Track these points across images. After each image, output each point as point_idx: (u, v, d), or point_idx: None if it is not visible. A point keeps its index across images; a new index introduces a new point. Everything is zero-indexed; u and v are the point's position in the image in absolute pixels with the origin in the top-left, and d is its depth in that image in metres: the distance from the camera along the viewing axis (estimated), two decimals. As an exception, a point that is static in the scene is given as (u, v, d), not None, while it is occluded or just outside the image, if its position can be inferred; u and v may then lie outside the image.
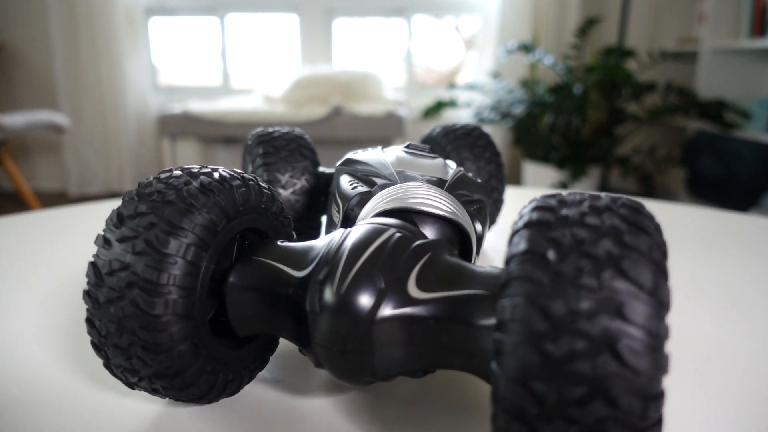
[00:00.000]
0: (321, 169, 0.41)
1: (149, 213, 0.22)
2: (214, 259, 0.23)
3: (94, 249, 0.49)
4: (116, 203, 0.65)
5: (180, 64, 3.00)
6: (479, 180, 0.35)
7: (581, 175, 2.06)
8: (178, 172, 0.24)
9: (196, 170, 0.24)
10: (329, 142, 2.37)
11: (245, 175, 0.25)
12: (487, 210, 0.33)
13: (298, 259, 0.23)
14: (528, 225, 0.18)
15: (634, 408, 0.16)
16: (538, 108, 2.24)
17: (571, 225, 0.18)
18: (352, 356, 0.21)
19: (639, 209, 0.19)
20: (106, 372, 0.29)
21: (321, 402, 0.27)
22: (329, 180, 0.40)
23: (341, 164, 0.34)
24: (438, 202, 0.28)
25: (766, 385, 0.29)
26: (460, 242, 0.28)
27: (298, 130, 0.43)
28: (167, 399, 0.26)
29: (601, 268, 0.17)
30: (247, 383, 0.26)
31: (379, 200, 0.28)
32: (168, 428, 0.25)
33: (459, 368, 0.21)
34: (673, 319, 0.36)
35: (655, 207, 0.65)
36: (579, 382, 0.16)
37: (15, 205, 2.34)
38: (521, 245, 0.18)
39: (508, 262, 0.18)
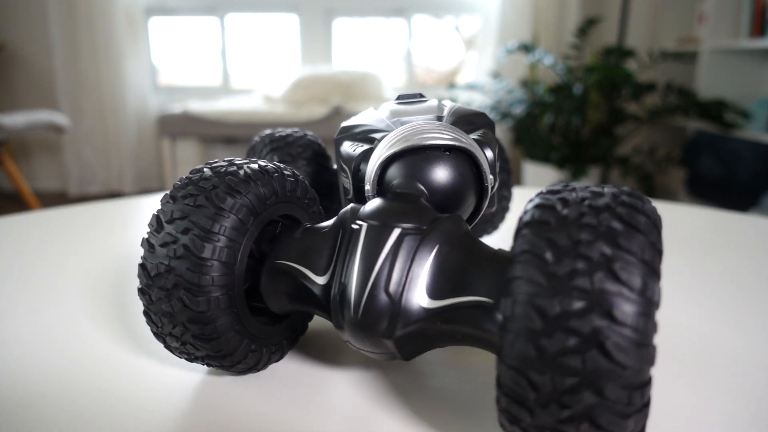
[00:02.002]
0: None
1: (214, 177, 0.26)
2: (259, 228, 0.26)
3: (93, 249, 0.49)
4: (117, 203, 0.65)
5: (180, 64, 3.00)
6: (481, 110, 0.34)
7: (581, 175, 2.06)
8: (241, 158, 0.28)
9: (256, 159, 0.28)
10: (329, 142, 2.37)
11: (296, 172, 0.29)
12: (493, 136, 0.32)
13: (318, 259, 0.26)
14: (529, 224, 0.20)
15: (620, 397, 0.17)
16: (538, 108, 2.24)
17: (569, 226, 0.19)
18: (378, 354, 0.24)
19: (637, 207, 0.19)
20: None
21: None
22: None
23: (338, 134, 0.33)
24: (440, 134, 0.27)
25: (766, 384, 0.29)
26: (473, 171, 0.28)
27: (311, 135, 0.42)
28: (193, 362, 0.28)
29: (594, 270, 0.18)
30: (263, 366, 0.28)
31: (383, 148, 0.28)
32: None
33: (474, 346, 0.24)
34: (672, 319, 0.36)
35: (655, 207, 0.65)
36: (570, 373, 0.18)
37: (15, 205, 2.34)
38: (523, 245, 0.19)
39: (511, 259, 0.20)
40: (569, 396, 0.18)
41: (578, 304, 0.18)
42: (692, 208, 0.66)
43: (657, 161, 2.31)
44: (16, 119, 2.00)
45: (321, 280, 0.25)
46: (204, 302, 0.24)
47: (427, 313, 0.23)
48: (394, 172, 0.28)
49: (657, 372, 0.29)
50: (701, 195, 2.27)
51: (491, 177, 0.29)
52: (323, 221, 0.30)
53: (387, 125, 0.31)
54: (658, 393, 0.28)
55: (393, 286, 0.23)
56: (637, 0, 2.57)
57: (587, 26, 2.31)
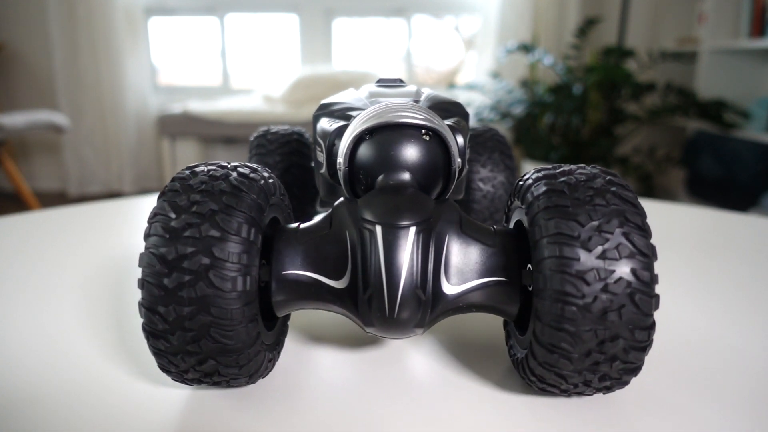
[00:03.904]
0: None
1: (207, 200, 0.24)
2: (261, 241, 0.25)
3: (93, 249, 0.49)
4: (117, 203, 0.65)
5: (180, 64, 3.00)
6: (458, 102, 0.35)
7: (581, 175, 2.05)
8: (215, 166, 0.26)
9: (234, 165, 0.26)
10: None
11: (269, 170, 0.28)
12: (467, 125, 0.33)
13: (329, 264, 0.26)
14: (548, 209, 0.24)
15: (642, 337, 0.23)
16: (537, 108, 2.24)
17: (585, 207, 0.23)
18: (401, 338, 0.27)
19: (623, 185, 0.24)
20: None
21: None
22: None
23: (317, 111, 0.34)
24: (412, 113, 0.28)
25: (765, 383, 0.29)
26: (442, 153, 0.28)
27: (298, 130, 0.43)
28: (209, 386, 0.27)
29: (618, 244, 0.23)
30: (273, 368, 0.28)
31: (356, 123, 0.28)
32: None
33: (487, 313, 0.27)
34: (672, 318, 0.36)
35: (654, 207, 0.65)
36: (611, 327, 0.23)
37: (14, 205, 2.34)
38: (550, 228, 0.23)
39: (535, 243, 0.24)
40: (608, 344, 0.23)
41: (612, 272, 0.22)
42: (692, 208, 0.66)
43: (657, 161, 2.31)
44: (16, 119, 2.00)
45: (339, 284, 0.25)
46: (237, 335, 0.23)
47: (452, 297, 0.26)
48: (365, 149, 0.28)
49: (657, 371, 0.29)
50: (701, 195, 2.27)
51: (459, 160, 0.29)
52: (292, 212, 0.30)
53: (364, 104, 0.32)
54: (658, 392, 0.28)
55: (421, 283, 0.24)
56: (636, 0, 2.57)
57: (587, 26, 2.30)
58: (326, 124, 0.32)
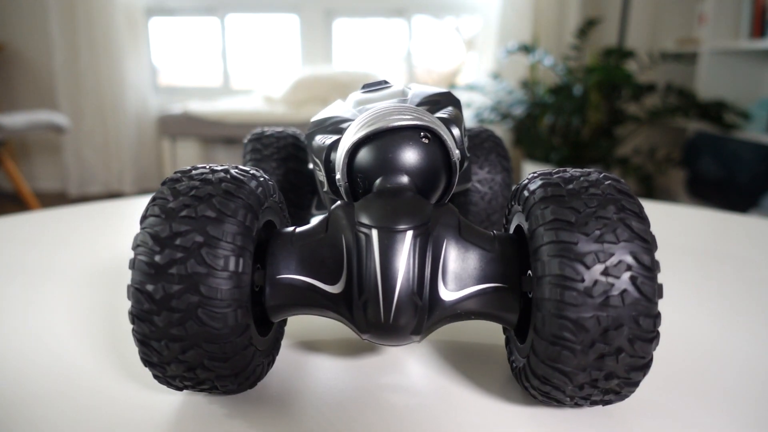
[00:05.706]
0: None
1: (204, 185, 0.24)
2: (258, 233, 0.25)
3: (93, 249, 0.49)
4: (117, 203, 0.65)
5: (180, 64, 3.00)
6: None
7: (581, 175, 2.05)
8: (215, 165, 0.26)
9: (231, 165, 0.27)
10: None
11: (267, 175, 0.28)
12: (459, 113, 0.32)
13: (324, 268, 0.25)
14: (545, 199, 0.24)
15: (648, 326, 0.22)
16: (538, 109, 2.24)
17: (581, 196, 0.23)
18: (398, 345, 0.26)
19: (617, 179, 0.24)
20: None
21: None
22: None
23: (309, 130, 0.34)
24: (401, 115, 0.27)
25: (765, 384, 0.29)
26: (440, 149, 0.28)
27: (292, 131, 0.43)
28: (192, 390, 0.27)
29: (615, 227, 0.22)
30: (261, 379, 0.27)
31: (348, 136, 0.28)
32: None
33: (484, 320, 0.26)
34: (673, 320, 0.36)
35: (655, 208, 0.65)
36: (614, 312, 0.22)
37: (15, 205, 2.34)
38: (547, 215, 0.23)
39: (531, 233, 0.23)
40: (612, 332, 0.22)
41: (612, 256, 0.22)
42: (692, 209, 0.66)
43: (657, 162, 2.31)
44: (16, 119, 2.00)
45: (334, 289, 0.25)
46: (224, 318, 0.22)
47: (449, 304, 0.25)
48: (361, 155, 0.27)
49: (657, 371, 0.29)
50: (701, 196, 2.27)
51: (457, 152, 0.28)
52: (288, 218, 0.30)
53: (353, 114, 0.31)
54: (656, 396, 0.28)
55: (418, 288, 0.24)
56: (637, 1, 2.57)
57: (587, 27, 2.31)
58: (320, 141, 0.32)
